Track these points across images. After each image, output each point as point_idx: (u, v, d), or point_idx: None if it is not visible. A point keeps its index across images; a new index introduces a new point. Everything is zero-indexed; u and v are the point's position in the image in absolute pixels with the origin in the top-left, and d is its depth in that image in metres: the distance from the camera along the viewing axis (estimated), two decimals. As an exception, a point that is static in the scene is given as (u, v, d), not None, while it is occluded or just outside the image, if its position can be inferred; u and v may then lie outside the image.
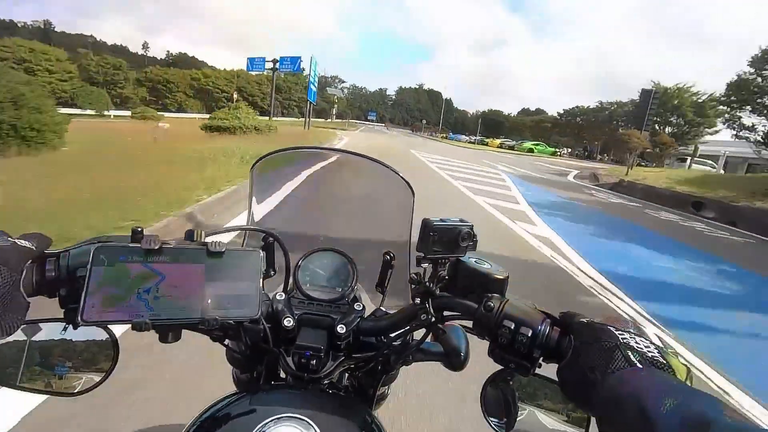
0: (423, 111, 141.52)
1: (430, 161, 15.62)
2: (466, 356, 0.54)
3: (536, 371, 0.46)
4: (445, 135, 68.36)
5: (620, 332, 0.39)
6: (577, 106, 62.56)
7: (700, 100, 37.78)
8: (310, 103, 26.21)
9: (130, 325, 0.40)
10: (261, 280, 0.46)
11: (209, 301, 0.43)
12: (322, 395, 0.53)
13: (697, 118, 37.34)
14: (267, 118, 24.20)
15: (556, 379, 0.44)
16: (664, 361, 0.36)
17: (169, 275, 0.42)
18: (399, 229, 0.74)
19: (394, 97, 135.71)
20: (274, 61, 40.53)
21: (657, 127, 41.17)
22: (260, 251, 0.48)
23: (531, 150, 41.28)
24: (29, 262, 0.39)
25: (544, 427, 0.51)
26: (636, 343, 0.38)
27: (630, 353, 0.37)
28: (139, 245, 0.41)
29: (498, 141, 50.57)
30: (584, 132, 56.50)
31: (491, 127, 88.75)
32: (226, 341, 0.55)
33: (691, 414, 0.28)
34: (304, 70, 38.06)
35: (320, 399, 0.52)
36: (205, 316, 0.42)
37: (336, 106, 53.17)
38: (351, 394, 0.62)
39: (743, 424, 0.26)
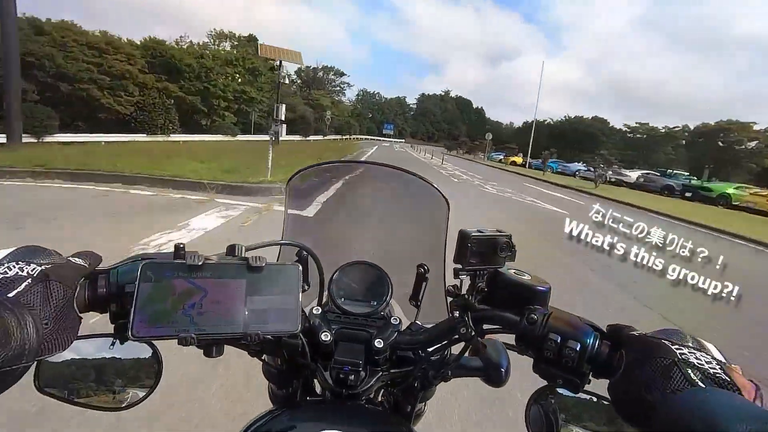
0: (451, 122, 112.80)
1: None
2: (507, 371, 0.52)
3: (585, 387, 0.44)
4: (518, 159, 38.02)
5: (678, 347, 0.36)
6: None
7: None
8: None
9: (176, 340, 0.40)
10: (300, 294, 0.46)
11: (251, 315, 0.43)
12: (362, 410, 0.53)
13: None
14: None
15: (607, 396, 0.41)
16: (729, 379, 0.33)
17: (212, 290, 0.42)
18: (433, 240, 0.73)
19: (414, 106, 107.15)
20: None
21: None
22: (299, 265, 0.47)
23: None
24: (82, 279, 0.41)
25: None
26: (696, 359, 0.35)
27: (690, 371, 0.34)
28: (184, 261, 0.41)
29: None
30: None
31: (555, 141, 57.60)
32: (263, 356, 0.55)
33: None
34: None
35: (361, 414, 0.52)
36: (247, 330, 0.42)
37: (327, 113, 25.58)
38: (388, 411, 0.61)
39: None
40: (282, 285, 0.45)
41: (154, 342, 0.45)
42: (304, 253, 0.58)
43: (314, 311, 0.56)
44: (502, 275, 0.51)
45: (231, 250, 0.45)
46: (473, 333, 0.50)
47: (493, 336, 0.52)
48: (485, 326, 0.51)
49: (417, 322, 0.61)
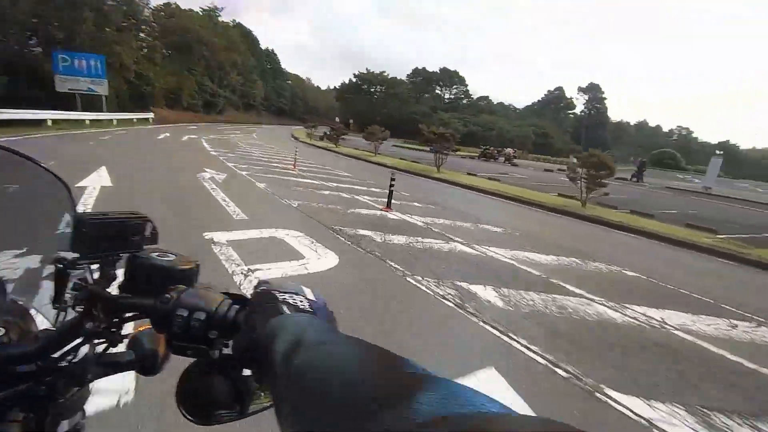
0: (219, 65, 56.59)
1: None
2: (164, 358, 0.51)
3: (225, 351, 0.45)
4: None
5: (280, 293, 0.42)
6: None
7: None
8: None
9: None
10: None
11: None
12: None
13: None
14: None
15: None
16: (311, 311, 0.41)
17: None
18: (63, 230, 0.65)
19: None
20: None
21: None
22: None
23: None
24: None
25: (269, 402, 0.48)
26: (292, 299, 0.42)
27: (284, 306, 0.40)
28: None
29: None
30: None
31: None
32: None
33: (291, 334, 0.33)
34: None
35: None
36: None
37: None
38: None
39: (325, 334, 0.33)
40: None
41: None
42: None
43: None
44: (139, 259, 0.49)
45: None
46: (104, 326, 0.47)
47: (147, 324, 0.48)
48: (127, 315, 0.48)
49: (50, 327, 0.52)
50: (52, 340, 0.48)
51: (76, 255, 0.46)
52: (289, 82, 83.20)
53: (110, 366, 0.50)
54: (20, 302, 0.54)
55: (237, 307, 0.45)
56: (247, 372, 0.45)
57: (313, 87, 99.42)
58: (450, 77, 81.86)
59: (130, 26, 32.18)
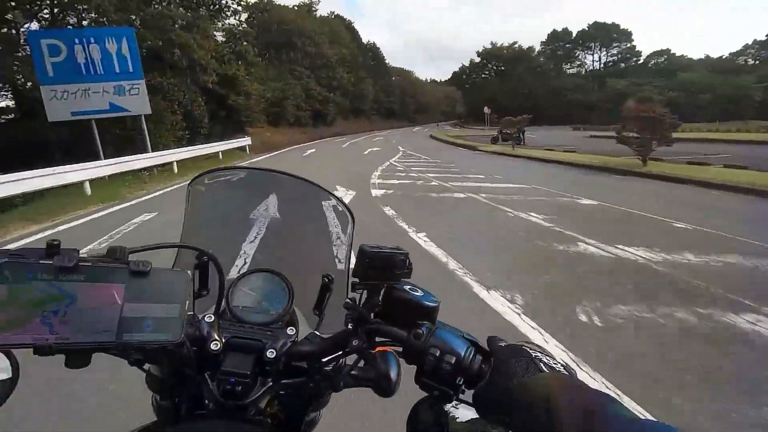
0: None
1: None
2: (396, 382, 0.53)
3: (460, 397, 0.47)
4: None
5: (533, 350, 0.44)
6: None
7: None
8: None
9: (32, 349, 0.36)
10: (187, 302, 0.44)
11: (127, 323, 0.39)
12: (244, 427, 0.51)
13: None
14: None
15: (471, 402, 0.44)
16: (567, 373, 0.42)
17: (84, 295, 0.38)
18: (339, 253, 0.76)
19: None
20: None
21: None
22: (188, 272, 0.46)
23: None
24: None
25: None
26: (546, 358, 0.43)
27: (541, 364, 0.41)
28: (51, 262, 0.37)
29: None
30: None
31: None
32: (146, 365, 0.51)
33: (587, 404, 0.33)
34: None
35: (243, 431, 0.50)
36: (120, 339, 0.39)
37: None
38: (279, 420, 0.59)
39: (628, 411, 0.32)
40: (167, 292, 0.42)
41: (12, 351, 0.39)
42: (204, 258, 0.56)
43: (206, 319, 0.53)
44: (396, 291, 0.53)
45: (112, 251, 0.42)
46: (365, 345, 0.52)
47: (387, 348, 0.53)
48: (378, 339, 0.53)
49: (316, 332, 0.59)
50: (326, 348, 0.53)
51: (356, 279, 0.52)
52: (395, 78, 70.56)
53: (357, 379, 0.53)
54: (295, 308, 0.64)
55: (481, 357, 0.46)
56: (467, 417, 0.47)
57: (420, 81, 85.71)
58: (607, 33, 60.63)
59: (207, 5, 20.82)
